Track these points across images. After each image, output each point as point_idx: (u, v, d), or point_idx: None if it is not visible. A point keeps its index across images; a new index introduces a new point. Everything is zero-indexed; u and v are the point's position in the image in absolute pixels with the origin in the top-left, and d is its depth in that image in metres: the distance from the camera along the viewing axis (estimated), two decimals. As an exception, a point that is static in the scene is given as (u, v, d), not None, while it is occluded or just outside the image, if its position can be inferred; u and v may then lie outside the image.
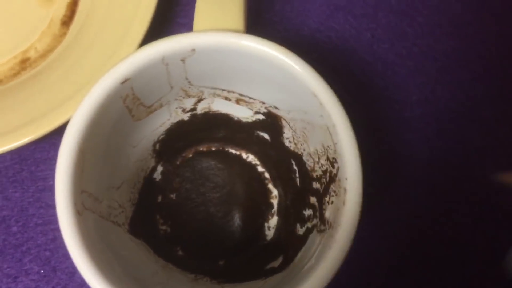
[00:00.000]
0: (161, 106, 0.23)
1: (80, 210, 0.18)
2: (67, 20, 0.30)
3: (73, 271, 0.27)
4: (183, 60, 0.20)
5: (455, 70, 0.31)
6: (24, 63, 0.30)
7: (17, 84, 0.29)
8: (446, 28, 0.32)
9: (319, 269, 0.18)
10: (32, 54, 0.30)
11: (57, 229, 0.27)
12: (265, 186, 0.28)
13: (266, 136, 0.26)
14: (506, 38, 0.31)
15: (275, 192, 0.27)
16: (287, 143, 0.25)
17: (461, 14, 0.32)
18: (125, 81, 0.19)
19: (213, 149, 0.28)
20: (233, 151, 0.28)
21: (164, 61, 0.20)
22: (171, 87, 0.22)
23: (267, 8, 0.31)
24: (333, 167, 0.20)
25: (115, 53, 0.26)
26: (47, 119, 0.25)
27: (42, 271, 0.27)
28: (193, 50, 0.20)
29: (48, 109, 0.25)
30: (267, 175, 0.28)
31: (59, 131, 0.25)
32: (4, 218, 0.28)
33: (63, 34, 0.30)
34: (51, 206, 0.28)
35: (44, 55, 0.30)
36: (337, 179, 0.20)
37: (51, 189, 0.28)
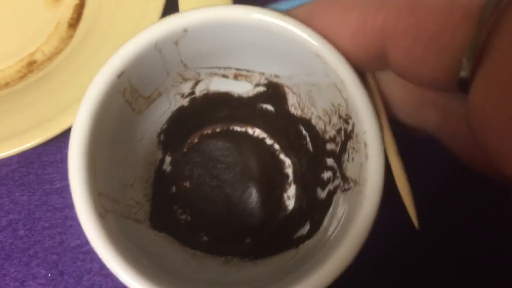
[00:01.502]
0: (159, 94, 0.23)
1: (102, 213, 0.18)
2: (74, 22, 0.30)
3: (80, 275, 0.27)
4: (176, 43, 0.19)
5: None
6: (31, 66, 0.29)
7: (24, 86, 0.28)
8: None
9: (353, 228, 0.18)
10: (39, 56, 0.30)
11: (64, 233, 0.27)
12: (276, 158, 0.27)
13: (269, 107, 0.26)
14: None
15: (288, 161, 0.27)
16: (292, 110, 0.25)
17: None
18: (121, 74, 0.19)
19: (218, 130, 0.27)
20: (239, 129, 0.27)
21: (157, 47, 0.19)
22: (167, 73, 0.22)
23: None
24: (347, 123, 0.20)
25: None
26: (54, 122, 0.25)
27: (49, 275, 0.27)
28: (185, 30, 0.19)
29: (55, 112, 0.25)
30: (276, 146, 0.27)
31: (66, 134, 0.25)
32: (11, 222, 0.28)
33: (70, 37, 0.30)
34: (58, 209, 0.28)
35: (51, 57, 0.30)
36: (354, 135, 0.20)
37: (58, 192, 0.28)
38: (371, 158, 0.18)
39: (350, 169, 0.21)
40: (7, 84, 0.29)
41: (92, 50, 0.27)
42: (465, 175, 0.28)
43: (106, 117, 0.19)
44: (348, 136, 0.20)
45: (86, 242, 0.27)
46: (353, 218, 0.18)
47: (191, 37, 0.19)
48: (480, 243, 0.28)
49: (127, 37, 0.26)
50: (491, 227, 0.28)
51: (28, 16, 0.31)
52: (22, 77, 0.29)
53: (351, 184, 0.20)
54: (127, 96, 0.20)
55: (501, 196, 0.27)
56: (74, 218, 0.27)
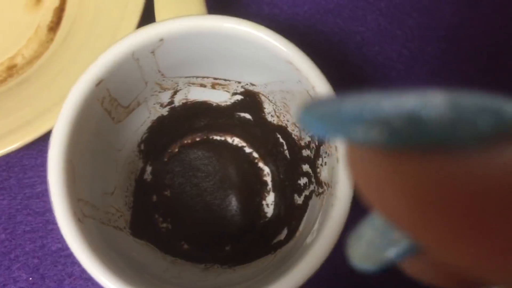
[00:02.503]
0: (138, 104, 0.23)
1: (81, 217, 0.18)
2: (54, 26, 0.30)
3: (61, 278, 0.27)
4: (152, 52, 0.20)
5: (445, 73, 0.31)
6: (11, 70, 0.30)
7: (4, 91, 0.28)
8: (436, 31, 0.31)
9: (326, 228, 0.19)
10: (19, 60, 0.30)
11: (45, 237, 0.27)
12: (255, 166, 0.28)
13: (247, 116, 0.26)
14: (496, 40, 0.31)
15: (266, 169, 0.28)
16: (269, 118, 0.25)
17: (451, 16, 0.32)
18: (99, 83, 0.19)
19: (198, 139, 0.28)
20: (218, 138, 0.28)
21: (134, 56, 0.20)
22: (146, 83, 0.22)
23: (256, 13, 0.31)
24: (320, 129, 0.21)
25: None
26: (34, 125, 0.25)
27: (30, 279, 0.27)
28: (161, 40, 0.19)
29: (35, 116, 0.25)
30: (255, 154, 0.28)
31: (47, 138, 0.25)
32: None
33: (50, 40, 0.30)
34: (39, 213, 0.28)
35: (31, 61, 0.30)
36: (326, 139, 0.20)
37: (38, 196, 0.28)
38: (342, 161, 0.19)
39: (324, 173, 0.21)
40: (-14, 89, 0.29)
41: (72, 54, 0.27)
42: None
43: (85, 125, 0.19)
44: (321, 141, 0.21)
45: (67, 246, 0.27)
46: (326, 219, 0.19)
47: (168, 47, 0.20)
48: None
49: (107, 41, 0.26)
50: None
51: (7, 20, 0.31)
52: (2, 81, 0.29)
53: (325, 188, 0.21)
54: (105, 105, 0.21)
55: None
56: (55, 222, 0.27)
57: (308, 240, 0.20)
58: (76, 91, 0.19)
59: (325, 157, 0.21)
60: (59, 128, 0.18)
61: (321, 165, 0.22)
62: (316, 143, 0.22)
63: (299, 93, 0.21)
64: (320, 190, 0.21)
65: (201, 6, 0.22)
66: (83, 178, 0.20)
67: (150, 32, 0.19)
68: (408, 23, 0.32)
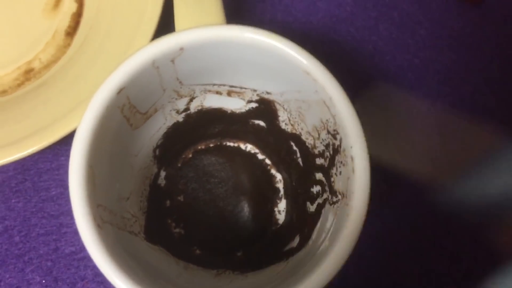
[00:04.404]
0: (155, 111, 0.24)
1: (100, 223, 0.19)
2: (71, 31, 0.31)
3: (74, 281, 0.27)
4: (172, 61, 0.20)
5: (456, 83, 0.31)
6: (29, 74, 0.30)
7: (22, 94, 0.29)
8: (448, 41, 0.32)
9: (340, 238, 0.19)
10: (36, 64, 0.30)
11: (59, 240, 0.28)
12: (268, 173, 0.28)
13: (261, 123, 0.27)
14: (506, 50, 0.32)
15: (278, 176, 0.28)
16: (283, 126, 0.26)
17: (462, 27, 0.32)
18: (120, 91, 0.19)
19: (211, 145, 0.28)
20: (231, 144, 0.28)
21: (154, 64, 0.20)
22: (164, 90, 0.22)
23: (270, 20, 0.32)
24: (335, 139, 0.21)
25: (119, 64, 0.26)
26: (50, 130, 0.25)
27: (43, 281, 0.27)
28: (181, 49, 0.20)
29: (52, 120, 0.26)
30: (268, 161, 0.28)
31: (62, 142, 0.26)
32: (6, 228, 0.28)
33: (67, 45, 0.30)
34: (54, 216, 0.28)
35: (48, 65, 0.30)
36: (341, 149, 0.20)
37: (53, 199, 0.28)
38: (357, 172, 0.19)
39: (338, 183, 0.21)
40: (4, 92, 0.30)
41: (89, 59, 0.28)
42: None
43: (105, 132, 0.20)
44: (336, 150, 0.21)
45: (81, 249, 0.27)
46: (340, 229, 0.19)
47: (187, 55, 0.20)
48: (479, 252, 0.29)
49: (123, 47, 0.27)
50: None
51: (26, 25, 0.31)
52: (20, 85, 0.30)
53: (339, 197, 0.21)
54: (125, 112, 0.21)
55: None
56: (69, 225, 0.28)
57: (321, 248, 0.20)
58: (97, 98, 0.19)
59: (340, 166, 0.21)
60: (81, 135, 0.19)
61: (336, 174, 0.22)
62: (331, 152, 0.22)
63: (315, 103, 0.21)
64: (334, 199, 0.22)
65: (220, 15, 0.22)
66: (101, 183, 0.20)
67: (170, 41, 0.20)
68: (420, 32, 0.32)
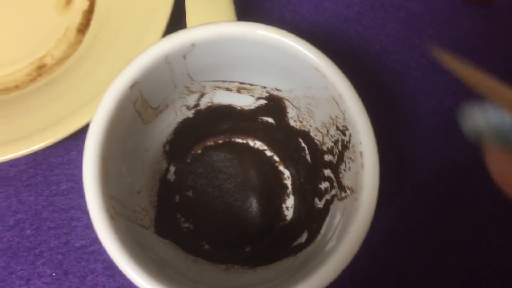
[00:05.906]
0: (166, 106, 0.24)
1: (113, 215, 0.19)
2: (83, 28, 0.31)
3: (84, 275, 0.28)
4: (184, 57, 0.21)
5: (462, 83, 0.31)
6: (41, 69, 0.30)
7: (34, 90, 0.29)
8: (454, 41, 0.32)
9: (349, 233, 0.19)
10: (48, 60, 0.31)
11: (69, 233, 0.28)
12: (276, 169, 0.28)
13: (270, 120, 0.27)
14: None
15: (287, 173, 0.28)
16: (292, 123, 0.26)
17: (470, 27, 0.32)
18: (133, 85, 0.20)
19: (220, 141, 0.28)
20: (240, 140, 0.28)
21: (167, 60, 0.20)
22: (175, 86, 0.23)
23: (278, 19, 0.32)
24: (344, 135, 0.21)
25: (130, 61, 0.27)
26: (62, 125, 0.26)
27: (54, 274, 0.28)
28: (193, 45, 0.20)
29: (64, 115, 0.26)
30: (276, 158, 0.28)
31: (73, 137, 0.26)
32: (18, 221, 0.28)
33: (78, 42, 0.31)
34: (64, 210, 0.28)
35: (60, 62, 0.31)
36: (350, 145, 0.21)
37: (64, 194, 0.29)
38: (367, 167, 0.19)
39: (347, 178, 0.22)
40: (17, 87, 0.30)
41: (100, 56, 0.28)
42: (471, 189, 0.29)
43: (119, 126, 0.20)
44: (345, 146, 0.21)
45: (91, 243, 0.28)
46: (349, 224, 0.19)
47: (198, 52, 0.21)
48: (484, 251, 0.29)
49: (134, 44, 0.27)
50: (493, 239, 0.29)
51: (38, 21, 0.32)
52: (32, 80, 0.30)
53: (348, 192, 0.21)
54: (137, 107, 0.21)
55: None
56: (79, 219, 0.28)
57: (330, 244, 0.21)
58: (112, 92, 0.19)
59: (348, 162, 0.21)
60: (96, 126, 0.19)
61: (344, 170, 0.22)
62: (340, 148, 0.22)
63: (325, 99, 0.21)
64: (343, 195, 0.22)
65: (231, 12, 0.22)
66: (114, 176, 0.20)
67: (183, 37, 0.20)
68: (427, 32, 0.32)
